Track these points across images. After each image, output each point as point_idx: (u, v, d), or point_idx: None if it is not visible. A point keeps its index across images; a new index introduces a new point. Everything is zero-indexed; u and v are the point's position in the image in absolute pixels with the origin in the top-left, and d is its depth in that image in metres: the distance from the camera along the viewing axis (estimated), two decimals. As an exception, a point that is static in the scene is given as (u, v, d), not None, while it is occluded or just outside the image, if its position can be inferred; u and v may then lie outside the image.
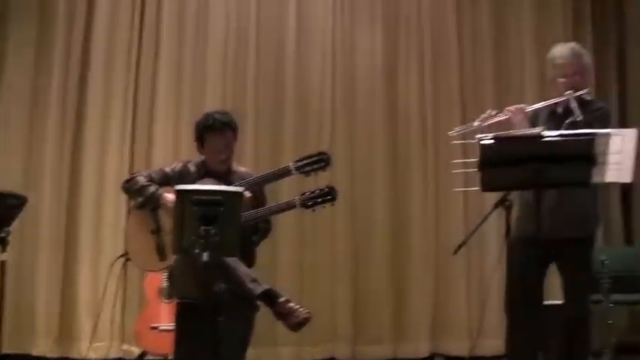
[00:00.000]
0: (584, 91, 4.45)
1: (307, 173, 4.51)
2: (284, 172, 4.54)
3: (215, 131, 4.52)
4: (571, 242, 4.34)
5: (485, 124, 4.47)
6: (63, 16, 6.84)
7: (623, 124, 6.78)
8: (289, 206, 4.48)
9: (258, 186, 4.55)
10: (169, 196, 4.39)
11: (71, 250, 6.62)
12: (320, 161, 4.50)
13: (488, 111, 4.56)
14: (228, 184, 4.39)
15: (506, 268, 4.41)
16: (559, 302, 4.50)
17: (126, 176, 5.03)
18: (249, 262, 4.47)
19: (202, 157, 4.65)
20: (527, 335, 4.34)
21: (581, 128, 4.01)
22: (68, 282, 6.58)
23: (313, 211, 4.50)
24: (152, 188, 4.50)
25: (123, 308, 6.49)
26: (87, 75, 6.82)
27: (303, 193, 4.46)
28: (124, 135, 6.77)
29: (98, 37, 6.86)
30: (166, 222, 4.42)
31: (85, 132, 6.77)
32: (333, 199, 4.47)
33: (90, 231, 6.64)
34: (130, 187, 4.59)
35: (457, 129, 4.70)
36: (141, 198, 4.53)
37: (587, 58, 4.60)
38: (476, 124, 4.53)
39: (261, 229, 4.65)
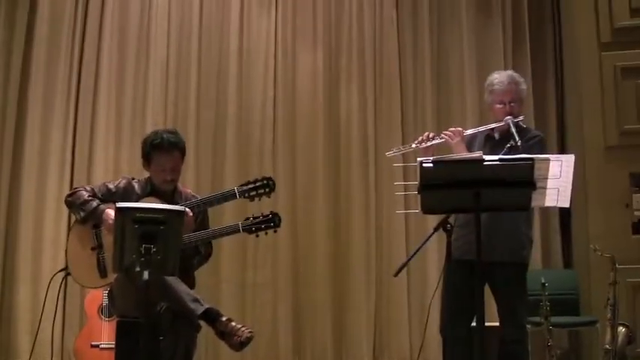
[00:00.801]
0: (522, 117, 4.55)
1: (252, 198, 4.53)
2: (228, 196, 4.53)
3: (162, 151, 4.49)
4: (504, 266, 4.41)
5: (422, 146, 4.55)
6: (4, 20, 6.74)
7: (561, 150, 6.93)
8: (232, 230, 4.51)
9: (201, 208, 4.54)
10: (111, 213, 4.36)
11: (9, 266, 6.51)
12: (265, 186, 4.53)
13: (426, 133, 4.63)
14: (173, 204, 4.36)
15: (442, 289, 4.47)
16: (497, 324, 4.56)
17: (66, 191, 4.98)
18: (190, 284, 4.46)
19: (147, 175, 4.63)
20: (462, 356, 4.39)
21: (520, 154, 4.08)
22: (6, 298, 6.47)
23: (257, 236, 4.53)
24: (94, 203, 4.47)
25: (63, 325, 6.41)
26: (27, 90, 6.73)
27: (247, 218, 4.49)
28: (65, 150, 6.69)
29: (39, 50, 6.78)
30: (108, 239, 4.39)
31: (24, 147, 6.67)
32: (276, 226, 4.51)
33: (29, 247, 6.52)
34: (73, 201, 4.55)
35: (394, 150, 4.78)
36: (82, 212, 4.50)
37: (524, 86, 4.70)
38: (413, 145, 4.61)
39: (203, 252, 4.64)
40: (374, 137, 7.00)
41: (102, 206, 4.47)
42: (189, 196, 4.66)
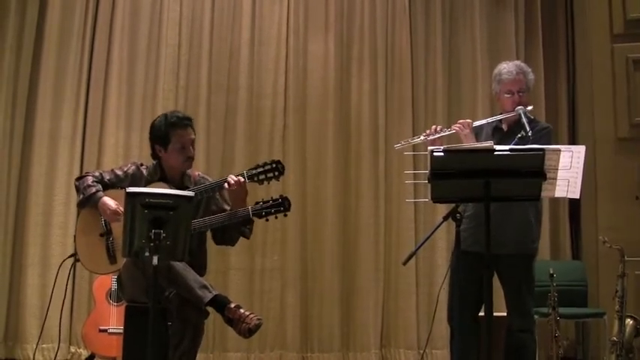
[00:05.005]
0: (530, 107, 4.54)
1: (261, 182, 4.51)
2: None
3: (180, 127, 4.50)
4: (512, 256, 4.42)
5: (430, 138, 4.55)
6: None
7: (572, 141, 6.91)
8: (242, 215, 4.47)
9: (210, 193, 4.53)
10: (107, 202, 4.41)
11: (18, 251, 6.51)
12: (273, 170, 4.51)
13: (434, 126, 4.63)
14: (182, 190, 4.35)
15: (450, 279, 4.48)
16: (504, 314, 4.56)
17: (76, 176, 4.97)
18: (202, 264, 4.51)
19: (155, 162, 4.63)
20: (469, 346, 4.39)
21: (530, 144, 4.08)
22: (15, 283, 6.48)
23: (267, 220, 4.51)
24: (94, 189, 4.48)
25: (71, 310, 6.43)
26: (38, 73, 6.70)
27: (257, 203, 4.47)
28: (75, 135, 6.68)
29: (51, 34, 6.75)
30: (115, 226, 4.39)
31: (35, 131, 6.65)
32: (286, 210, 4.49)
33: (38, 233, 6.52)
34: (79, 185, 4.56)
35: (402, 142, 4.77)
36: (81, 196, 4.51)
37: (532, 76, 4.69)
38: (422, 137, 4.60)
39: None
40: (384, 125, 6.98)
41: (100, 193, 4.47)
42: (197, 178, 4.66)
